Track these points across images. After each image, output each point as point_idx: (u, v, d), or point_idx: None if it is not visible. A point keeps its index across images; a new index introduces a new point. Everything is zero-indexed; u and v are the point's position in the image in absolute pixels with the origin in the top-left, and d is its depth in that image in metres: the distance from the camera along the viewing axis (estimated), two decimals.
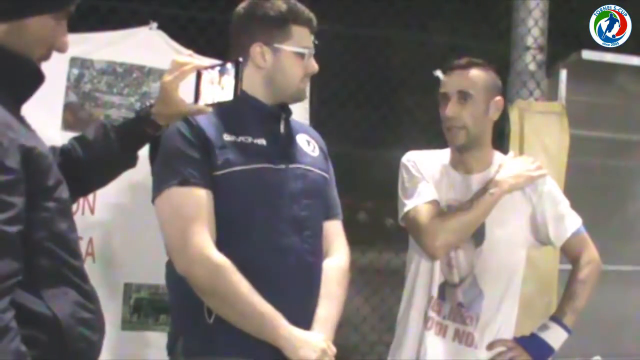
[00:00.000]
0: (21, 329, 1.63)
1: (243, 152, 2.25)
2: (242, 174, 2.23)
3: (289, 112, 2.39)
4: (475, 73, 2.59)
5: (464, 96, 2.56)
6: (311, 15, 2.35)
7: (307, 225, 2.30)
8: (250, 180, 2.24)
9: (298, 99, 2.39)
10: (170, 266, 2.28)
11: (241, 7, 2.35)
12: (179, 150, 2.22)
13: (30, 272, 1.69)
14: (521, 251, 2.64)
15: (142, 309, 3.02)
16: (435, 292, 2.59)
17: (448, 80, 2.59)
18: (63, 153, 2.08)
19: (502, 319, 2.58)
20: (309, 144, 2.43)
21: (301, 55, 2.32)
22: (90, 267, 2.84)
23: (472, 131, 2.57)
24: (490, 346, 2.56)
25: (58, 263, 1.76)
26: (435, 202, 2.58)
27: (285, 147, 2.34)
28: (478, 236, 2.57)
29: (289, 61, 2.31)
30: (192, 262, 2.18)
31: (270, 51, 2.30)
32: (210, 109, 2.06)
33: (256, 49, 2.29)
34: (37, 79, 1.83)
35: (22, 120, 1.81)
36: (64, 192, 1.80)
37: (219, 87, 2.02)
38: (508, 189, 2.55)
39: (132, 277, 3.01)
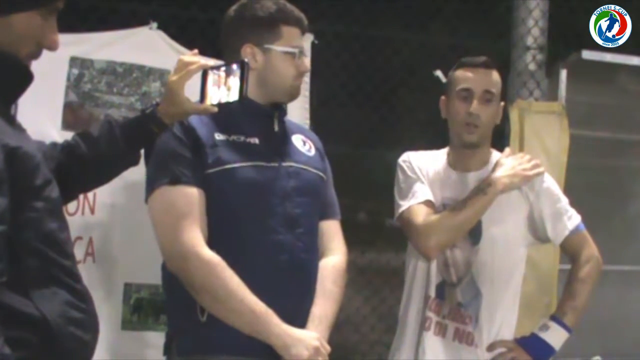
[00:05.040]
0: (9, 331, 1.63)
1: (235, 151, 2.27)
2: (234, 171, 2.25)
3: (283, 111, 2.41)
4: (496, 75, 2.63)
5: (488, 96, 2.57)
6: (301, 15, 2.37)
7: (300, 223, 2.31)
8: (241, 178, 2.26)
9: (292, 97, 2.41)
10: (165, 267, 2.30)
11: (232, 9, 2.39)
12: (170, 149, 2.24)
13: (18, 273, 1.68)
14: (520, 250, 2.64)
15: (142, 309, 3.02)
16: (432, 292, 2.59)
17: (473, 77, 2.58)
18: (66, 149, 2.07)
19: (501, 319, 2.58)
20: (304, 144, 2.45)
21: (292, 55, 2.34)
22: (90, 267, 2.88)
23: (484, 132, 2.60)
24: (490, 347, 2.56)
25: (47, 263, 1.75)
26: (429, 203, 2.58)
27: (278, 146, 2.36)
28: (474, 235, 2.57)
29: (279, 61, 2.33)
30: (182, 259, 2.20)
31: (261, 52, 2.33)
32: (216, 109, 2.07)
33: (247, 50, 2.32)
34: (25, 77, 1.81)
35: (10, 119, 1.80)
36: (53, 192, 1.79)
37: (224, 87, 2.04)
38: (502, 188, 2.54)
39: (132, 277, 3.00)
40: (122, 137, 2.06)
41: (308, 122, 3.27)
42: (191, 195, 2.23)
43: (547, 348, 2.59)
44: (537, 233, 2.64)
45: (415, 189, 2.60)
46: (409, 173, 2.65)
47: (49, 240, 1.76)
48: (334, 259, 2.40)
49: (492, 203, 2.53)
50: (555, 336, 2.59)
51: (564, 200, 2.67)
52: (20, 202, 1.69)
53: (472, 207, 2.53)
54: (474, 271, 2.57)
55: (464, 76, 2.60)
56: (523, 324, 2.65)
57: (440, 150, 2.71)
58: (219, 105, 2.06)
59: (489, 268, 2.57)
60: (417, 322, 2.61)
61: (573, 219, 2.66)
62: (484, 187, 2.54)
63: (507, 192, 2.56)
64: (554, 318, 2.62)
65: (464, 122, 2.57)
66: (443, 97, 2.67)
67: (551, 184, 2.67)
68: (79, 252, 2.79)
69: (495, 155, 2.69)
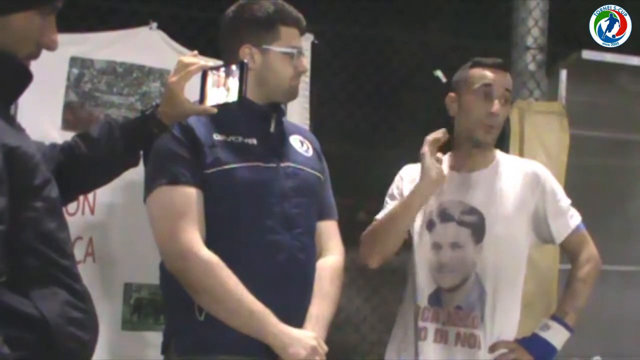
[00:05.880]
0: (8, 330, 1.63)
1: (233, 151, 2.27)
2: (232, 172, 2.25)
3: (280, 112, 2.41)
4: (510, 77, 2.64)
5: (507, 96, 2.59)
6: (299, 15, 2.38)
7: (298, 223, 2.31)
8: (240, 179, 2.26)
9: (291, 97, 2.42)
10: (163, 266, 2.30)
11: (230, 10, 2.40)
12: (168, 149, 2.24)
13: (18, 273, 1.68)
14: (522, 249, 2.63)
15: (142, 309, 3.02)
16: (424, 302, 2.59)
17: (494, 77, 2.58)
18: (66, 150, 2.07)
19: (505, 318, 2.57)
20: (302, 144, 2.45)
21: (290, 55, 2.34)
22: (90, 267, 2.88)
23: (498, 132, 2.63)
24: (492, 348, 2.55)
25: (47, 263, 1.75)
26: None
27: (276, 146, 2.36)
28: (478, 233, 2.57)
29: (278, 61, 2.34)
30: (180, 259, 2.20)
31: (259, 52, 2.33)
32: (215, 110, 2.07)
33: (245, 51, 2.32)
34: (25, 77, 1.81)
35: (9, 119, 1.80)
36: (52, 191, 1.79)
37: (224, 88, 2.03)
38: (425, 193, 2.53)
39: (132, 277, 3.00)
40: (122, 138, 2.06)
41: (308, 122, 3.27)
42: (189, 196, 2.23)
43: (549, 348, 2.58)
44: (540, 232, 2.63)
45: (388, 207, 2.66)
46: (394, 189, 2.70)
47: (49, 240, 1.76)
48: (331, 259, 2.41)
49: (414, 208, 2.54)
50: (557, 336, 2.59)
51: (567, 200, 2.68)
52: (20, 202, 1.69)
53: (394, 212, 2.56)
54: (478, 270, 2.56)
55: (484, 74, 2.58)
56: (523, 324, 2.64)
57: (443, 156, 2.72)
58: (218, 106, 2.06)
59: (493, 266, 2.56)
60: (412, 332, 2.61)
61: (575, 218, 2.66)
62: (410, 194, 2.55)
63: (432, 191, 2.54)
64: (555, 318, 2.61)
65: (483, 122, 2.56)
66: (452, 95, 2.65)
67: (554, 183, 2.67)
68: (79, 252, 2.79)
69: (500, 155, 2.70)
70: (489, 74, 2.59)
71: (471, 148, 2.62)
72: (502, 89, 2.57)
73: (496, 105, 2.55)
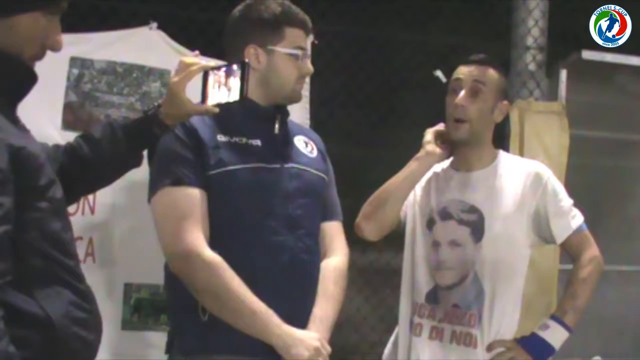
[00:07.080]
0: (13, 330, 1.63)
1: (237, 152, 2.28)
2: (235, 173, 2.26)
3: (284, 113, 2.41)
4: (492, 71, 2.60)
5: (476, 89, 2.55)
6: (305, 17, 2.38)
7: (302, 224, 2.31)
8: (243, 180, 2.26)
9: (293, 100, 2.41)
10: (167, 267, 2.30)
11: (237, 9, 2.40)
12: (172, 150, 2.25)
13: (22, 273, 1.69)
14: (523, 249, 2.62)
15: (142, 309, 3.02)
16: (421, 299, 2.59)
17: (464, 71, 2.59)
18: (69, 151, 2.08)
19: (503, 318, 2.57)
20: (306, 145, 2.45)
21: (295, 57, 2.34)
22: (90, 267, 2.87)
23: (474, 127, 2.57)
24: (489, 347, 2.55)
25: (51, 263, 1.75)
26: None
27: (280, 147, 2.36)
28: (477, 232, 2.57)
29: (282, 63, 2.34)
30: (184, 260, 2.21)
31: (264, 53, 2.33)
32: (217, 110, 2.07)
33: (250, 51, 2.33)
34: (30, 78, 1.81)
35: (14, 120, 1.80)
36: (57, 192, 1.79)
37: (225, 88, 2.04)
38: (422, 157, 2.61)
39: (132, 277, 3.00)
40: (124, 138, 2.06)
41: (308, 122, 3.27)
42: (193, 196, 2.23)
43: (547, 347, 2.58)
44: (541, 232, 2.63)
45: None
46: None
47: (53, 240, 1.76)
48: (335, 260, 2.41)
49: (408, 178, 2.61)
50: (555, 335, 2.58)
51: (569, 201, 2.67)
52: (25, 202, 1.70)
53: (392, 181, 2.63)
54: (477, 269, 2.56)
55: (457, 71, 2.61)
56: (523, 324, 2.64)
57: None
58: (220, 105, 2.06)
59: (492, 265, 2.56)
60: (406, 330, 2.61)
61: (577, 218, 2.65)
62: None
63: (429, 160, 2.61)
64: (554, 317, 2.61)
65: (452, 117, 2.58)
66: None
67: (557, 183, 2.67)
68: (79, 252, 2.76)
69: (502, 154, 2.69)
70: (460, 68, 2.60)
71: (460, 147, 2.62)
72: (470, 81, 2.56)
73: (459, 97, 2.54)
